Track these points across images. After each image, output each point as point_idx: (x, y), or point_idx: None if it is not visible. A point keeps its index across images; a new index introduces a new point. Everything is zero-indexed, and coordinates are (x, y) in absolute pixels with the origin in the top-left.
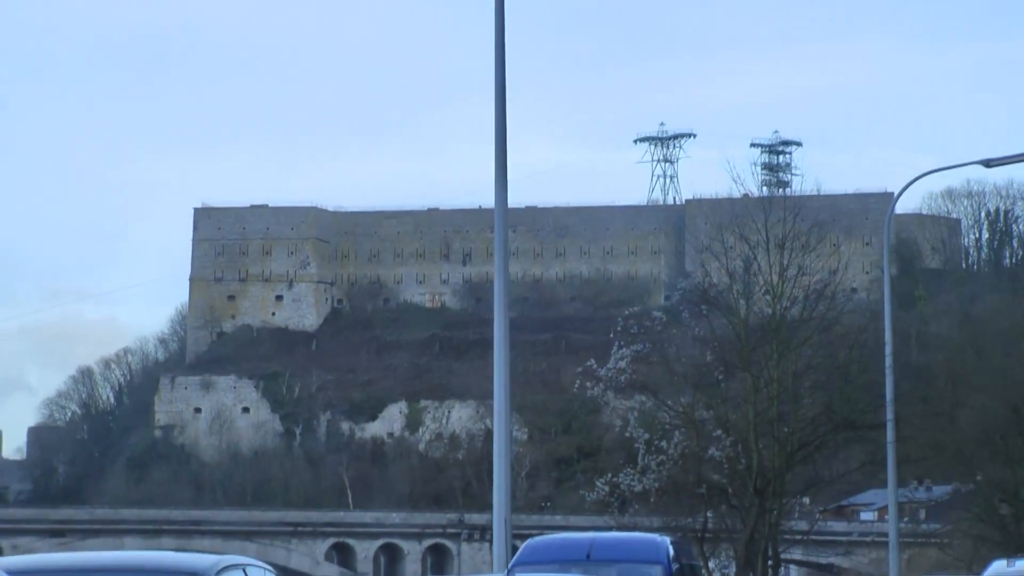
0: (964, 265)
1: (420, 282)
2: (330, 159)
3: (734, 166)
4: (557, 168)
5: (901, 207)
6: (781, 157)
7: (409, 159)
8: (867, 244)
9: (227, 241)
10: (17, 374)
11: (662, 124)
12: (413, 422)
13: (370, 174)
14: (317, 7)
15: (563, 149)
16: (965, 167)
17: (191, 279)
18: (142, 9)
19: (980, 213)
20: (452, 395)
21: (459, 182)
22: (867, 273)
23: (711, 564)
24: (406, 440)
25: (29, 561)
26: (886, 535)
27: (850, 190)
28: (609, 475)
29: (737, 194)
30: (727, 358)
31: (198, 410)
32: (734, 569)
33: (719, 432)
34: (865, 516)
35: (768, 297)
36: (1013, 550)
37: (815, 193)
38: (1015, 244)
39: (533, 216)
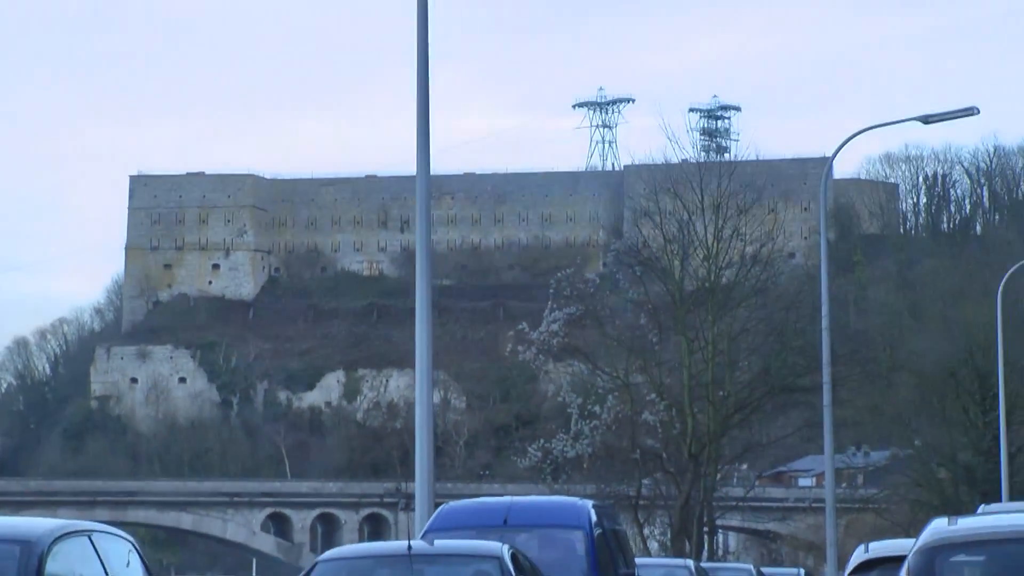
0: (902, 230)
1: (358, 250)
2: (267, 126)
3: (672, 130)
4: (496, 134)
5: (839, 172)
6: (720, 122)
7: (347, 126)
8: (805, 209)
9: (163, 209)
10: None
11: (601, 89)
12: (351, 391)
13: (308, 141)
14: None
15: (502, 115)
16: (904, 124)
17: (127, 248)
18: None
19: (918, 178)
20: (390, 364)
21: (397, 149)
22: (805, 239)
23: (645, 531)
24: (344, 409)
25: None
26: (823, 501)
27: (789, 155)
28: (541, 441)
29: (676, 159)
30: (661, 321)
31: (134, 380)
32: (669, 535)
33: (653, 396)
34: (803, 482)
35: (703, 259)
36: (951, 513)
37: (753, 158)
38: (952, 209)
39: (471, 183)
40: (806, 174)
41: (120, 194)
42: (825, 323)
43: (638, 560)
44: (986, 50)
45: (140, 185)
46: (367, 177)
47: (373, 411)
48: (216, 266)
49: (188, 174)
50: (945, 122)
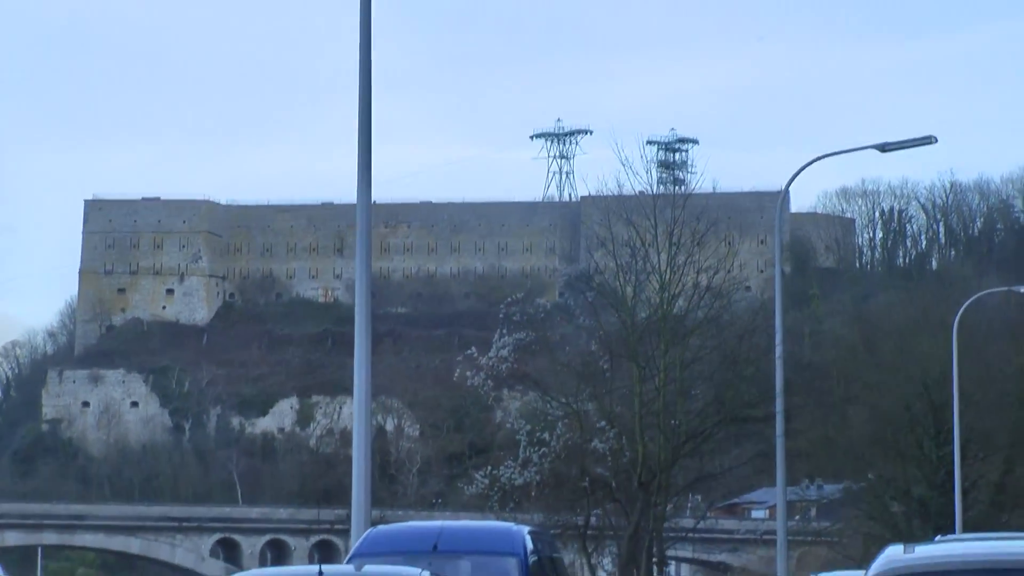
0: (858, 264)
1: (313, 277)
2: (223, 153)
3: (629, 161)
4: (453, 164)
5: (796, 206)
6: (677, 155)
7: (304, 153)
8: (762, 242)
9: (118, 234)
10: None
11: (559, 120)
12: (304, 417)
13: (264, 168)
14: (208, 2)
15: (460, 145)
16: (863, 158)
17: (81, 271)
18: (29, 2)
19: (875, 212)
20: (344, 391)
21: (353, 177)
22: (761, 271)
23: (594, 561)
24: (297, 436)
25: None
26: (776, 533)
27: (746, 188)
28: (489, 468)
29: (632, 189)
30: (613, 348)
31: (86, 404)
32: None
33: (603, 424)
34: (756, 514)
35: (656, 286)
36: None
37: (710, 191)
38: (908, 244)
39: (428, 211)
40: (763, 207)
41: (75, 218)
42: (779, 352)
43: None
44: (944, 87)
45: (95, 209)
46: (323, 204)
47: (326, 438)
48: (170, 291)
49: (143, 199)
50: (902, 153)
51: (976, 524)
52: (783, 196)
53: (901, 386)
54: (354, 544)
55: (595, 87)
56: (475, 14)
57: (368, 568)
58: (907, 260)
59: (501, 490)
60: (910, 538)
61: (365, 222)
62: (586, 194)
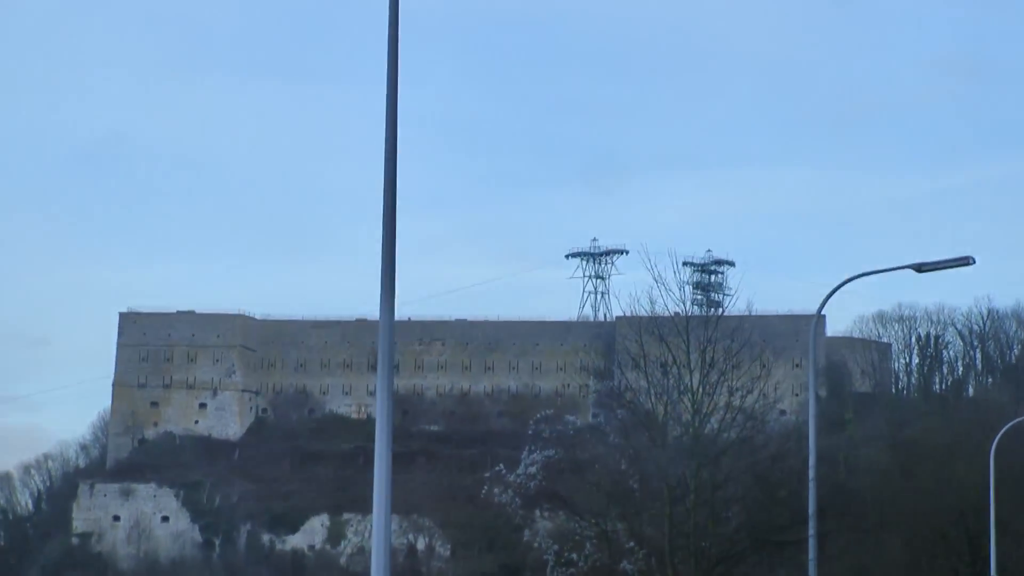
0: (894, 389)
1: (346, 393)
2: (259, 268)
3: (663, 280)
4: (489, 282)
5: (832, 331)
6: (713, 277)
7: (338, 269)
8: (797, 366)
9: (152, 347)
10: None
11: (594, 240)
12: (335, 535)
13: (299, 283)
14: (249, 118)
15: (496, 263)
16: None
17: (114, 384)
18: (68, 116)
19: (911, 338)
20: None
21: None
22: (796, 395)
23: None
24: (327, 553)
25: None
26: None
27: (782, 311)
28: None
29: (667, 310)
30: (643, 468)
31: (117, 518)
32: None
33: (633, 544)
34: None
35: (687, 402)
36: None
37: (745, 312)
38: (944, 370)
39: (462, 329)
40: (798, 331)
41: (110, 330)
42: (812, 474)
43: None
44: (981, 212)
45: (130, 322)
46: (357, 320)
47: (357, 556)
48: (203, 405)
49: (178, 312)
50: (940, 280)
51: None
52: (817, 314)
53: (937, 513)
54: None
55: (632, 207)
56: (513, 134)
57: None
58: (943, 386)
59: None
60: None
61: (388, 343)
62: (621, 314)
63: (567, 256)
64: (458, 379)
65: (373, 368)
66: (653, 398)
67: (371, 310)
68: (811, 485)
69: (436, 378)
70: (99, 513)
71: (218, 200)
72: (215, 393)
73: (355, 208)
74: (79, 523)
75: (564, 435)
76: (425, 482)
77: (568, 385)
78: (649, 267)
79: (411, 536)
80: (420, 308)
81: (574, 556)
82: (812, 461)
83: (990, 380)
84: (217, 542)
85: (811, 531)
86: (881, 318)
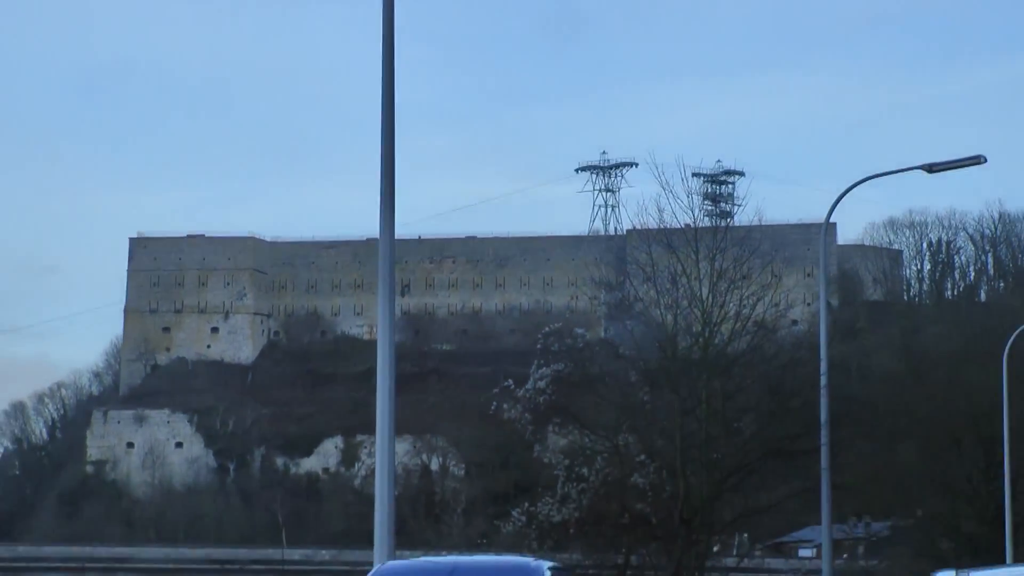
0: (906, 296)
1: (358, 314)
2: (268, 190)
3: (672, 189)
4: (499, 198)
5: (843, 238)
6: (723, 187)
7: (348, 189)
8: (808, 275)
9: (163, 272)
10: None
11: (604, 153)
12: (349, 457)
13: (309, 204)
14: (254, 40)
15: (505, 179)
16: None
17: (126, 310)
18: (75, 41)
19: (923, 244)
20: None
21: (399, 212)
22: (808, 305)
23: None
24: (342, 476)
25: None
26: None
27: (793, 220)
28: (526, 504)
29: (678, 222)
30: (653, 377)
31: (131, 445)
32: None
33: (644, 458)
34: (803, 553)
35: (698, 312)
36: None
37: (755, 222)
38: (957, 276)
39: (473, 246)
40: (809, 240)
41: (120, 257)
42: (824, 382)
43: None
44: (992, 115)
45: (140, 247)
46: (367, 240)
47: (371, 478)
48: (215, 329)
49: (188, 236)
50: (951, 184)
51: None
52: (827, 219)
53: (950, 419)
54: None
55: (640, 120)
56: (521, 49)
57: None
58: (955, 292)
59: (539, 528)
60: None
61: (388, 261)
62: (631, 227)
63: (576, 170)
64: (469, 297)
65: None
66: (663, 309)
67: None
68: (823, 393)
69: (447, 296)
70: (113, 440)
71: (226, 123)
72: (227, 317)
73: (362, 127)
74: (93, 451)
75: (574, 349)
76: (438, 402)
77: (577, 297)
78: (657, 176)
79: (424, 456)
80: (430, 226)
81: (585, 471)
82: (824, 368)
83: (1002, 284)
84: (231, 467)
85: (823, 439)
86: (892, 224)
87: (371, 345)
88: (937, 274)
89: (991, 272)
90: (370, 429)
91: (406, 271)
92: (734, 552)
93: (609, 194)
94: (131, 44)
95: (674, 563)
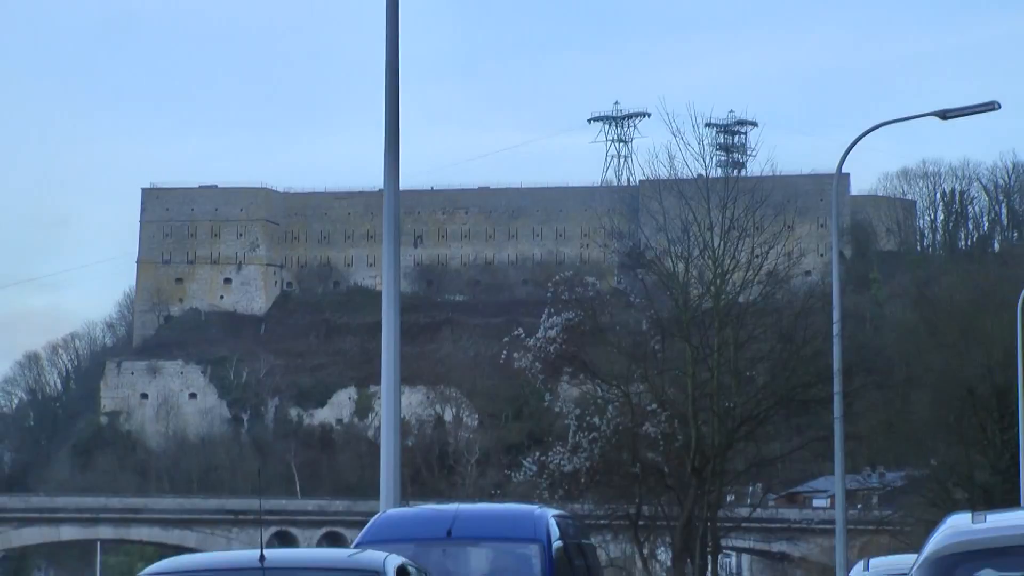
0: (920, 247)
1: (371, 264)
2: (281, 140)
3: (683, 136)
4: (511, 149)
5: (856, 188)
6: (736, 138)
7: (360, 139)
8: (822, 226)
9: (175, 223)
10: None
11: (616, 103)
12: (363, 408)
13: (321, 155)
14: None
15: (518, 130)
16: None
17: (138, 261)
18: None
19: (936, 194)
20: (402, 381)
21: (411, 163)
22: (822, 255)
23: (646, 551)
24: (355, 427)
25: None
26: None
27: (806, 171)
28: (537, 453)
29: (691, 173)
30: (664, 326)
31: (144, 396)
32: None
33: (655, 407)
34: (817, 503)
35: (709, 261)
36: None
37: (769, 173)
38: (970, 226)
39: (485, 198)
40: (822, 190)
41: (132, 207)
42: (836, 329)
43: None
44: (1008, 65)
45: (152, 198)
46: (380, 191)
47: None
48: (228, 280)
49: (200, 187)
50: (964, 134)
51: None
52: (839, 167)
53: (964, 369)
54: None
55: (653, 71)
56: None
57: (317, 553)
58: (969, 242)
59: (550, 477)
60: None
61: (393, 210)
62: (644, 177)
63: (589, 120)
64: (482, 248)
65: None
66: (674, 258)
67: None
68: (835, 341)
69: (460, 247)
70: (127, 391)
71: (238, 74)
72: (239, 268)
73: (374, 79)
74: (107, 402)
75: (584, 297)
76: (451, 353)
77: (588, 246)
78: (669, 123)
79: (438, 407)
80: (443, 177)
81: (596, 420)
82: (836, 316)
83: (1016, 235)
84: (245, 418)
85: (836, 388)
86: (905, 175)
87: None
88: (951, 224)
89: (1005, 222)
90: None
91: (419, 222)
92: (747, 502)
93: (622, 145)
94: None
95: (685, 513)
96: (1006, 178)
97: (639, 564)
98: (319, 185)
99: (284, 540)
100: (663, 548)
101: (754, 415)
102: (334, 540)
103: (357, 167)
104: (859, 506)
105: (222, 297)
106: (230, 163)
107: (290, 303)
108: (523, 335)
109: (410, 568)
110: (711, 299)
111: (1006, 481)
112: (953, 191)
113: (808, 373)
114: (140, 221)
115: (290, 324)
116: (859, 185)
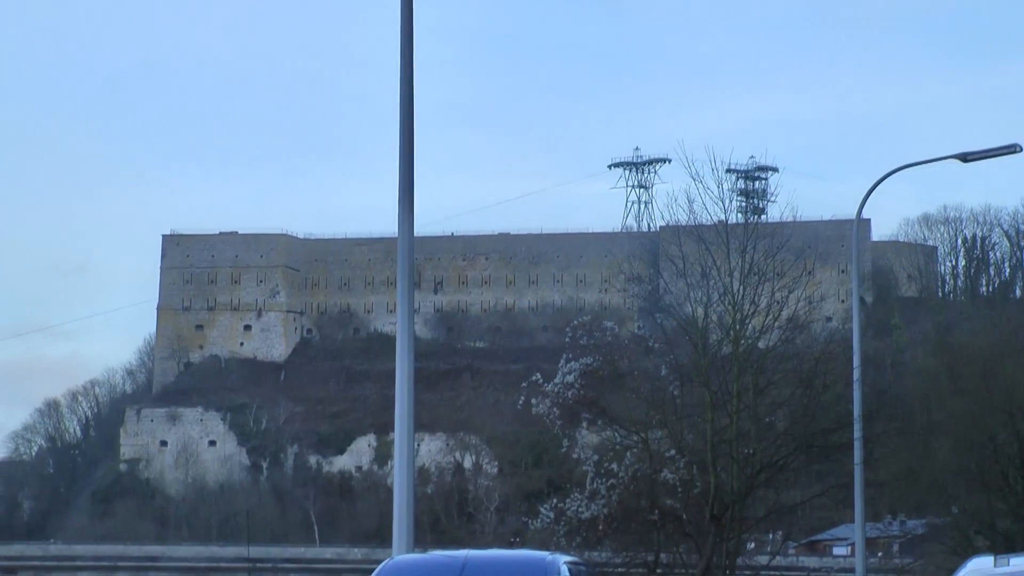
0: (941, 293)
1: (391, 311)
2: (301, 187)
3: (707, 186)
4: (531, 195)
5: (877, 234)
6: (757, 183)
7: (380, 186)
8: (842, 272)
9: (196, 269)
10: None
11: (637, 149)
12: (382, 455)
13: (341, 202)
14: (290, 36)
15: (538, 176)
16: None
17: (159, 308)
18: (105, 39)
19: (957, 240)
20: (422, 427)
21: (431, 209)
22: (843, 302)
23: None
24: (374, 474)
25: None
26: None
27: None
28: (554, 500)
29: (711, 218)
30: (684, 371)
31: (164, 443)
32: None
33: (673, 452)
34: (838, 551)
35: (728, 306)
36: None
37: (790, 219)
38: (991, 272)
39: (506, 243)
40: (843, 236)
41: (152, 254)
42: (856, 375)
43: None
44: None
45: (173, 245)
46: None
47: None
48: (248, 327)
49: (221, 234)
50: (985, 179)
51: None
52: (860, 209)
53: (985, 415)
54: None
55: (674, 116)
56: (554, 46)
57: None
58: (990, 288)
59: (568, 524)
60: None
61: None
62: (665, 224)
63: (610, 166)
64: (502, 294)
65: (416, 286)
66: (693, 303)
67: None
68: (856, 386)
69: (480, 293)
70: (146, 438)
71: (256, 121)
72: (260, 314)
73: (394, 124)
74: (127, 449)
75: (603, 342)
76: (471, 399)
77: (608, 291)
78: (688, 166)
79: (458, 454)
80: (463, 223)
81: (614, 466)
82: (856, 361)
83: None
84: (264, 464)
85: (856, 434)
86: (927, 220)
87: None
88: (972, 270)
89: None
90: None
91: (439, 268)
92: (768, 550)
93: (642, 190)
94: (161, 42)
95: (704, 561)
96: None
97: None
98: (339, 231)
99: None
100: None
101: (774, 461)
102: None
103: (377, 214)
104: (879, 554)
105: (242, 344)
106: (250, 210)
107: (310, 350)
108: (541, 381)
109: None
110: (730, 344)
111: None
112: (974, 237)
113: (828, 419)
114: (160, 268)
115: (310, 371)
116: (880, 231)
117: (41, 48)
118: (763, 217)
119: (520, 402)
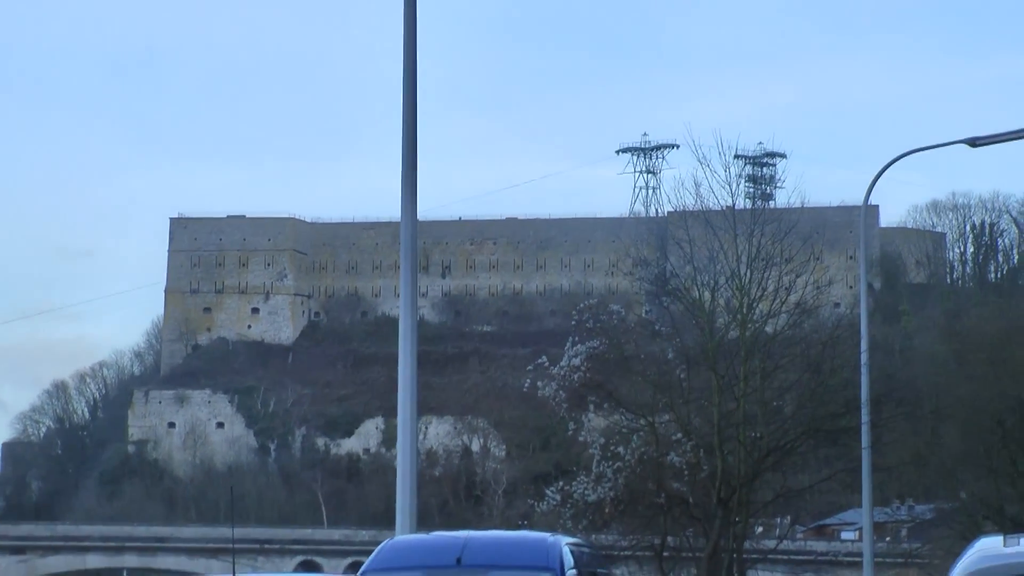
0: (949, 279)
1: (398, 295)
2: (309, 171)
3: (714, 171)
4: (539, 180)
5: (885, 220)
6: (765, 169)
7: (387, 170)
8: (851, 258)
9: (203, 252)
10: None
11: (645, 135)
12: (389, 438)
13: (349, 185)
14: (296, 18)
15: (546, 160)
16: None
17: (166, 291)
18: (113, 22)
19: (965, 226)
20: (429, 411)
21: (439, 194)
22: (851, 287)
23: None
24: (382, 456)
25: None
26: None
27: (835, 203)
28: (560, 483)
29: (719, 204)
30: (691, 355)
31: (172, 425)
32: None
33: (679, 436)
34: (846, 535)
35: (735, 290)
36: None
37: (799, 205)
38: (1000, 258)
39: (514, 228)
40: (852, 223)
41: (161, 237)
42: (864, 358)
43: None
44: None
45: (180, 228)
46: None
47: None
48: (256, 310)
49: (229, 217)
50: (994, 165)
51: None
52: (868, 194)
53: (993, 401)
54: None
55: (682, 102)
56: (562, 31)
57: None
58: (999, 274)
59: (574, 507)
60: None
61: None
62: (672, 209)
63: (617, 152)
64: (510, 278)
65: (424, 269)
66: (700, 287)
67: (421, 210)
68: (863, 370)
69: (488, 278)
70: (154, 420)
71: (264, 103)
72: (267, 297)
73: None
74: (135, 431)
75: (609, 326)
76: (478, 383)
77: (616, 275)
78: (695, 151)
79: (466, 437)
80: (471, 208)
81: (621, 450)
82: (864, 345)
83: None
84: (272, 447)
85: (864, 418)
86: (935, 207)
87: None
88: (980, 257)
89: None
90: None
91: (447, 252)
92: (776, 534)
93: (650, 176)
94: (168, 25)
95: (711, 544)
96: None
97: None
98: (347, 215)
99: (310, 569)
100: None
101: (781, 445)
102: (360, 570)
103: (385, 198)
104: (887, 539)
105: (249, 327)
106: (258, 193)
107: (317, 333)
108: (548, 364)
109: None
110: (737, 328)
111: None
112: (983, 223)
113: (836, 403)
114: (168, 251)
115: (317, 354)
116: (888, 217)
117: (47, 32)
118: (771, 203)
119: (527, 385)
